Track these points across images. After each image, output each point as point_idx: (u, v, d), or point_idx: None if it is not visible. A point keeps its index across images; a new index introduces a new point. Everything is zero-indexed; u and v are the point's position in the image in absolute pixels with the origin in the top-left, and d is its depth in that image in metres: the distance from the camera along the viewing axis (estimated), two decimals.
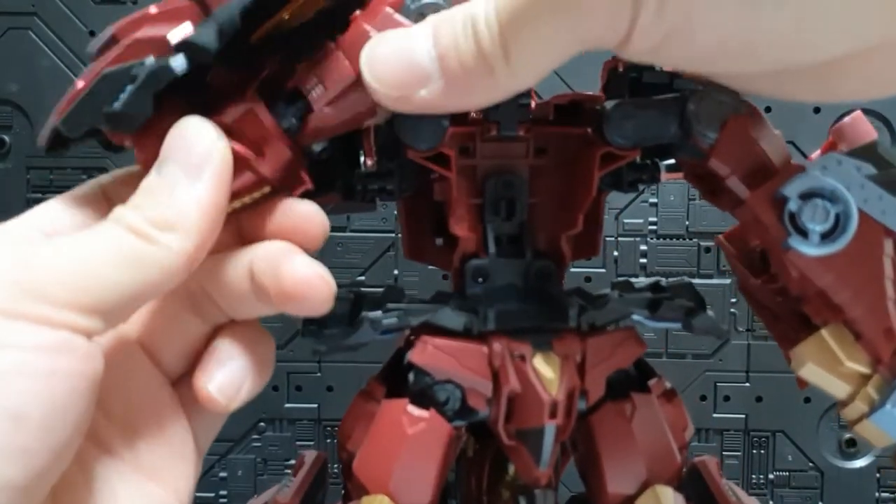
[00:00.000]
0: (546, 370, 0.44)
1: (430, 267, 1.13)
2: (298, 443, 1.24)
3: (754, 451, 1.25)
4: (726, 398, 1.24)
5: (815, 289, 0.45)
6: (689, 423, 0.52)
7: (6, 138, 1.20)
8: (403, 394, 0.48)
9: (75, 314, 0.32)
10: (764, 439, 1.25)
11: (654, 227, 1.20)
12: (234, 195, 0.40)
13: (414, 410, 0.47)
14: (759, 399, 1.22)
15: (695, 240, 1.18)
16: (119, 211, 0.36)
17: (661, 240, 1.20)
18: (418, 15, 0.42)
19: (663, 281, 0.53)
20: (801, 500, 1.25)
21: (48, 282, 0.32)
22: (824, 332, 0.46)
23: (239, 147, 0.39)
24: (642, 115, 0.46)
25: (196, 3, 0.38)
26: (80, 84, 0.38)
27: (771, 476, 1.25)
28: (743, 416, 1.24)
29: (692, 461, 0.54)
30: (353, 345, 0.47)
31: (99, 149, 1.12)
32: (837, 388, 0.47)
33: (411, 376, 0.49)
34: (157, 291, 0.35)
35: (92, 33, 1.20)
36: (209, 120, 0.38)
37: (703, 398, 1.23)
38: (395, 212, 1.17)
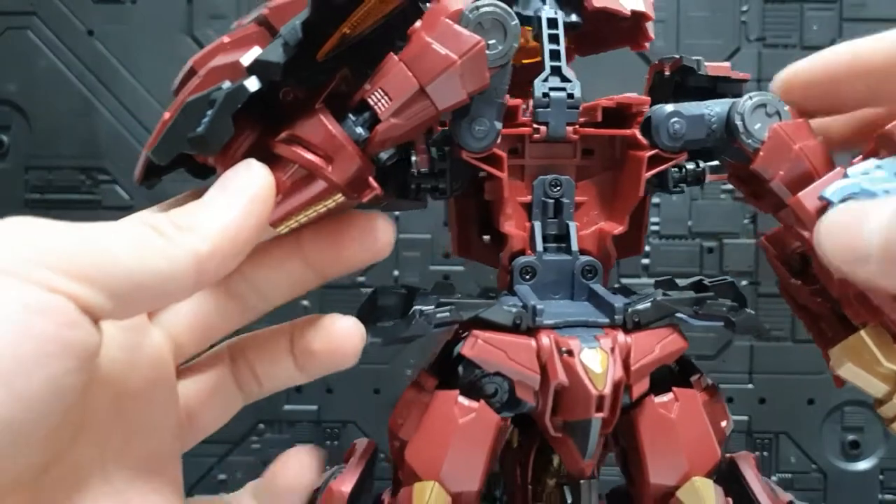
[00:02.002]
0: (594, 365, 0.47)
1: (431, 268, 1.15)
2: (298, 445, 1.25)
3: (757, 453, 1.23)
4: (729, 399, 1.24)
5: (855, 291, 0.48)
6: (728, 417, 0.55)
7: (4, 138, 1.21)
8: (454, 385, 0.51)
9: (76, 283, 0.35)
10: (767, 441, 1.27)
11: (657, 228, 1.23)
12: (308, 204, 0.44)
13: (464, 401, 0.50)
14: (762, 401, 1.24)
15: (697, 240, 1.21)
16: (146, 213, 0.42)
17: (664, 240, 1.23)
18: (476, 25, 0.45)
19: (706, 280, 0.56)
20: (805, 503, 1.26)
21: (54, 250, 0.36)
22: (863, 333, 0.49)
23: (311, 156, 0.43)
24: (689, 119, 0.49)
25: (264, 28, 0.43)
26: (166, 115, 0.43)
27: (774, 478, 1.26)
28: (746, 417, 1.26)
29: (729, 456, 0.57)
30: (408, 337, 0.49)
31: (97, 148, 1.11)
32: (875, 388, 0.50)
33: (461, 369, 0.52)
34: (166, 286, 0.39)
35: (90, 33, 1.22)
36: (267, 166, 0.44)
37: None
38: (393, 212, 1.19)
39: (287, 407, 1.28)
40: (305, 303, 1.23)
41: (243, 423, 1.28)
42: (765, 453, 1.27)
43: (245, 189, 0.42)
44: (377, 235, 0.48)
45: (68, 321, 0.35)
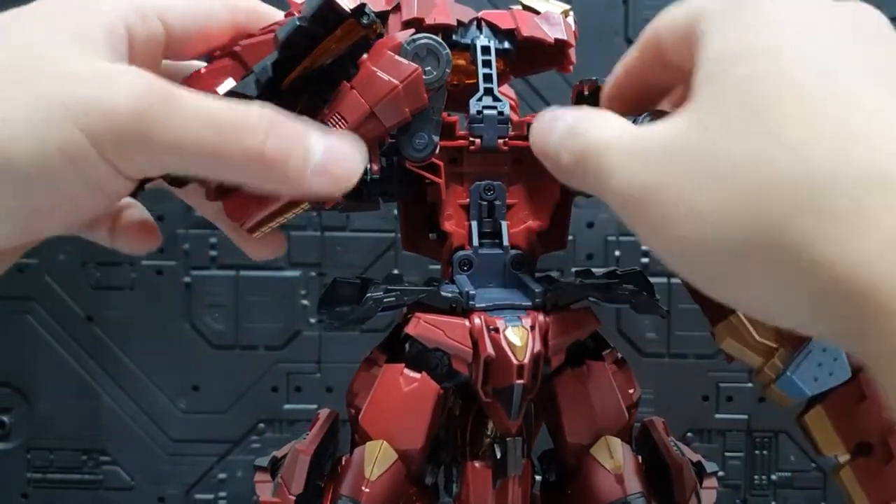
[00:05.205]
0: (515, 340, 0.64)
1: (431, 267, 1.30)
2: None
3: (757, 452, 1.39)
4: (729, 398, 1.38)
5: None
6: (636, 386, 0.72)
7: None
8: (401, 360, 0.68)
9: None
10: (766, 440, 1.39)
11: None
12: (279, 212, 0.60)
13: (409, 373, 0.67)
14: (761, 399, 1.36)
15: None
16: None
17: None
18: (413, 55, 0.62)
19: (619, 270, 0.73)
20: (805, 501, 1.39)
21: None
22: (739, 313, 0.65)
23: None
24: None
25: (237, 62, 0.59)
26: None
27: (774, 477, 1.39)
28: (745, 416, 1.39)
29: (642, 420, 0.74)
30: (357, 318, 0.66)
31: None
32: (752, 359, 0.66)
33: (407, 346, 0.69)
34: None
35: None
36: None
37: (706, 398, 1.39)
38: (396, 211, 1.35)
39: (287, 406, 1.42)
40: (305, 302, 1.40)
41: (243, 422, 1.43)
42: (764, 452, 1.39)
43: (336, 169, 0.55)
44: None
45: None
